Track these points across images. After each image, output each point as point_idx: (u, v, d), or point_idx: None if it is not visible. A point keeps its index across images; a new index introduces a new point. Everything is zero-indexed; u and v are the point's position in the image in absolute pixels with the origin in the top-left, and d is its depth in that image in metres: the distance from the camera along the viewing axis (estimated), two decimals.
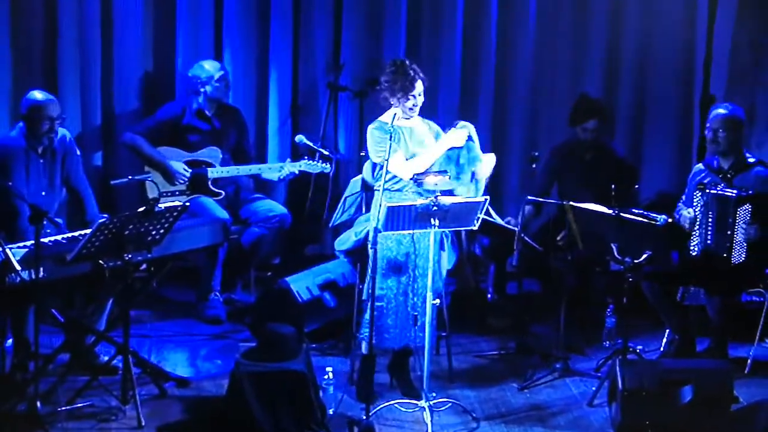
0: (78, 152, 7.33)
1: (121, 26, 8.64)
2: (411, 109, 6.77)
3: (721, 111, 7.40)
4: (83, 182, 7.33)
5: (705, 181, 7.36)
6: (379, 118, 6.80)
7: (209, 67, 8.28)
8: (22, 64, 8.47)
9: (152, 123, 8.31)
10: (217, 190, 8.23)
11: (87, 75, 8.61)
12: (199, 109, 8.29)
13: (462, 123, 6.95)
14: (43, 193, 7.09)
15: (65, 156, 7.20)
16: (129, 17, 8.65)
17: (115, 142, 8.65)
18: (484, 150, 8.91)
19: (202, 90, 8.25)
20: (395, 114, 6.69)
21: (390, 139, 6.53)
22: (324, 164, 8.26)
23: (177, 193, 8.18)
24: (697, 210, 7.30)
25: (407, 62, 6.78)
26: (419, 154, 6.76)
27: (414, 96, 6.74)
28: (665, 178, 9.06)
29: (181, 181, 8.19)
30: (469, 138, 6.88)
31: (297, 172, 8.24)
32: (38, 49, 8.52)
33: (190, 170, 8.21)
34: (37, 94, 7.09)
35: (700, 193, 7.29)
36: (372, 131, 6.81)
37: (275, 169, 8.27)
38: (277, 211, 8.29)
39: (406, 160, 6.72)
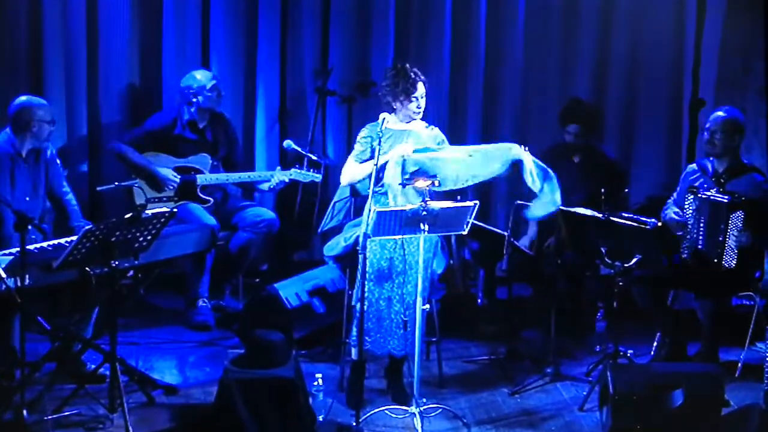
0: (59, 161, 7.30)
1: (106, 35, 8.60)
2: (415, 111, 6.79)
3: (720, 114, 7.36)
4: (65, 193, 7.29)
5: (696, 184, 7.33)
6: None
7: (201, 76, 8.23)
8: (7, 73, 8.43)
9: (141, 133, 8.25)
10: (205, 197, 8.19)
11: (72, 84, 8.58)
12: (191, 120, 8.24)
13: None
14: (27, 198, 7.06)
15: (48, 167, 7.16)
16: (115, 26, 8.61)
17: (101, 150, 8.62)
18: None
19: (194, 100, 8.20)
20: (384, 118, 6.67)
21: (379, 144, 6.51)
22: (315, 173, 8.21)
23: (165, 199, 8.13)
24: (688, 213, 7.27)
25: (408, 66, 6.80)
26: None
27: (416, 98, 6.77)
28: (655, 183, 9.05)
29: (170, 187, 8.14)
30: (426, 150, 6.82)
31: (287, 180, 8.20)
32: (23, 59, 8.48)
33: (179, 177, 8.16)
34: (31, 98, 7.10)
35: (692, 197, 7.25)
36: (361, 131, 6.85)
37: (265, 178, 8.23)
38: (265, 216, 8.25)
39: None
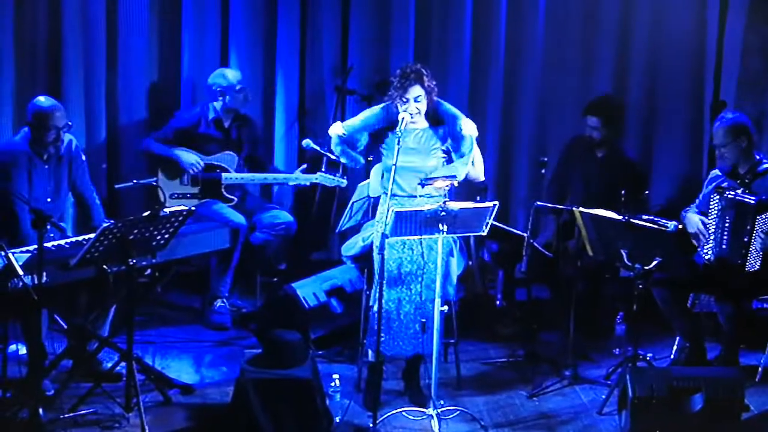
0: (83, 158, 7.28)
1: (126, 33, 8.60)
2: (405, 111, 6.68)
3: (720, 129, 7.24)
4: (89, 188, 7.28)
5: (724, 185, 7.24)
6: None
7: (231, 75, 8.20)
8: (26, 71, 8.44)
9: (167, 130, 8.23)
10: (229, 196, 8.15)
11: (91, 83, 8.57)
12: (217, 117, 8.22)
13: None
14: (49, 200, 7.03)
15: (71, 162, 7.14)
16: (134, 25, 8.61)
17: (120, 147, 8.64)
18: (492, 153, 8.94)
19: (221, 98, 8.18)
20: (403, 118, 6.63)
21: (398, 143, 6.48)
22: (341, 178, 8.15)
23: (189, 195, 8.10)
24: (713, 213, 7.18)
25: (412, 67, 6.74)
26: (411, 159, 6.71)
27: (407, 99, 6.67)
28: (675, 185, 8.99)
29: (193, 171, 8.08)
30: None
31: (308, 184, 8.16)
32: (42, 58, 8.48)
33: (203, 162, 8.11)
34: (44, 101, 7.02)
35: (718, 197, 7.15)
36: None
37: (291, 179, 8.20)
38: (283, 218, 8.22)
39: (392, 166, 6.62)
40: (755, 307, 7.71)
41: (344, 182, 8.16)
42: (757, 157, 7.27)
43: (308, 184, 8.17)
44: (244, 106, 8.30)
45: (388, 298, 6.64)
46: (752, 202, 6.99)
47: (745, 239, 7.00)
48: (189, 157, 8.10)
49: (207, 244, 7.05)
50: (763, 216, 6.98)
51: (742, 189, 7.14)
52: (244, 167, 8.29)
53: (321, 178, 8.15)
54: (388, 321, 6.65)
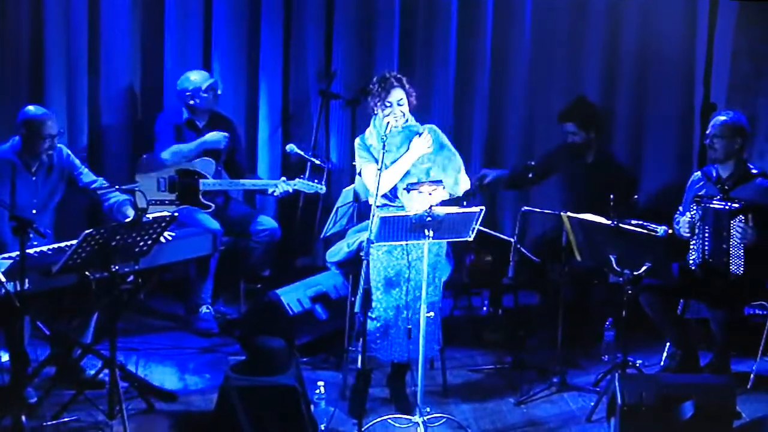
0: (77, 162, 7.19)
1: (108, 38, 8.55)
2: (387, 116, 6.61)
3: (721, 118, 7.28)
4: (95, 180, 7.17)
5: (701, 193, 7.21)
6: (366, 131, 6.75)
7: (196, 77, 8.15)
8: (8, 77, 8.38)
9: (165, 135, 8.16)
10: (207, 203, 8.10)
11: (74, 89, 8.52)
12: (190, 120, 8.16)
13: (426, 127, 6.76)
14: (34, 212, 6.96)
15: (63, 172, 7.07)
16: (116, 30, 8.56)
17: (102, 154, 8.61)
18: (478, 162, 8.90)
19: (191, 102, 8.12)
20: (388, 123, 6.56)
21: (383, 148, 6.41)
22: (319, 184, 8.10)
23: (166, 202, 8.03)
24: (695, 222, 7.16)
25: (390, 72, 6.71)
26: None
27: (390, 103, 6.60)
28: (665, 189, 8.95)
29: (223, 144, 8.08)
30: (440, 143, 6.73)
31: (291, 190, 8.10)
32: (24, 65, 8.42)
33: (227, 134, 8.11)
34: (34, 110, 6.99)
35: (695, 207, 7.14)
36: (356, 143, 6.78)
37: (270, 185, 8.15)
38: (267, 225, 8.18)
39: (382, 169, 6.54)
40: (747, 313, 7.67)
41: (323, 188, 8.12)
42: (748, 164, 7.25)
43: (291, 191, 8.09)
44: (216, 104, 8.22)
45: (387, 306, 6.60)
46: (726, 209, 6.96)
47: (724, 245, 6.98)
48: (214, 135, 8.10)
49: (190, 250, 7.01)
50: (737, 220, 6.94)
51: (720, 196, 7.10)
52: (224, 172, 8.23)
53: (300, 184, 8.08)
54: (386, 327, 6.61)
